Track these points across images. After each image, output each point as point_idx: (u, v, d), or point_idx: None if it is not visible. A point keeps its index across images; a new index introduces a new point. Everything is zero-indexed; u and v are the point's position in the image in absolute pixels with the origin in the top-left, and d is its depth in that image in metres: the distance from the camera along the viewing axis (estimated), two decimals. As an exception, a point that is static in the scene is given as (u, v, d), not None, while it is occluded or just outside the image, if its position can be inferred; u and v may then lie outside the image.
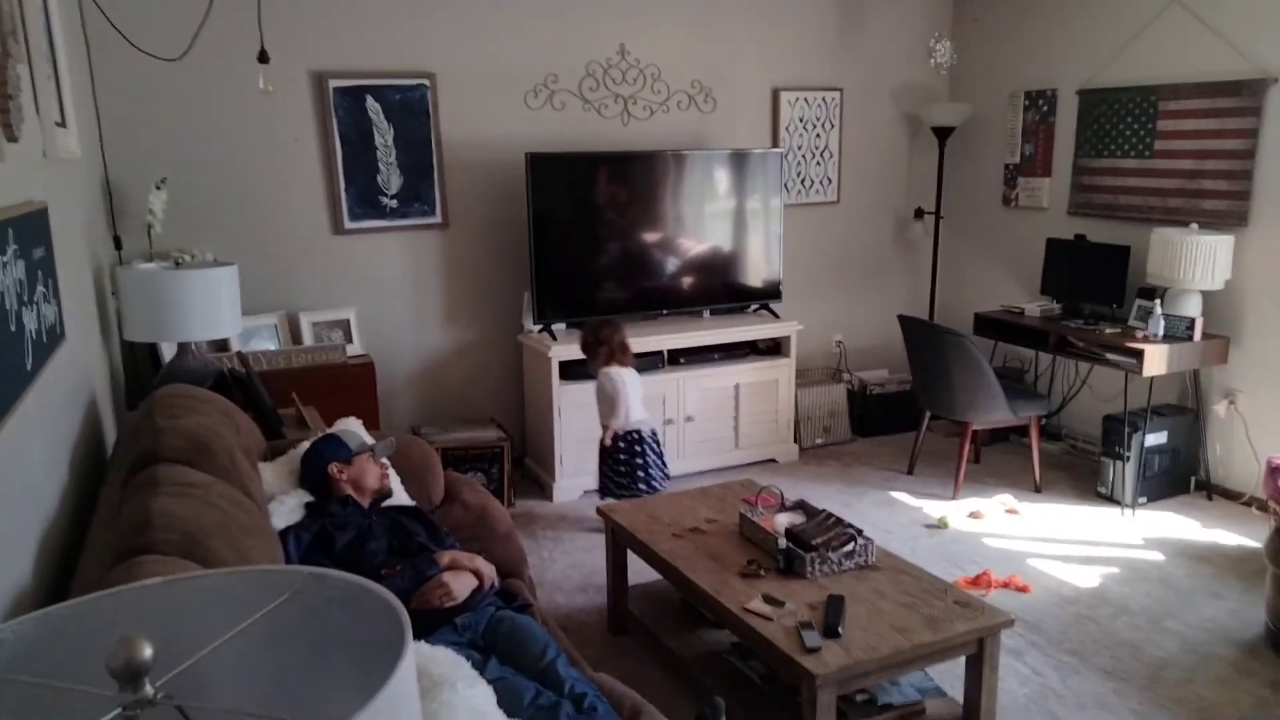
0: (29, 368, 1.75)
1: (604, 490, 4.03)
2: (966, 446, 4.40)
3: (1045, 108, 4.99)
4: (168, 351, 3.58)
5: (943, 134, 5.30)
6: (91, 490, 2.34)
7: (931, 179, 5.57)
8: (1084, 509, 4.25)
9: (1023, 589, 3.47)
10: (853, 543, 2.68)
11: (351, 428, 2.78)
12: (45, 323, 1.96)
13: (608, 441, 3.94)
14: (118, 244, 3.83)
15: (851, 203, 5.50)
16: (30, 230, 1.91)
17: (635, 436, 3.95)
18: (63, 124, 2.78)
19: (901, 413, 5.29)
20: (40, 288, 1.95)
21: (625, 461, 3.94)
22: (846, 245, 5.55)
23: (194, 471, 1.97)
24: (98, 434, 2.70)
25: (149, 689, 0.66)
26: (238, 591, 0.87)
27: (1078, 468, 4.77)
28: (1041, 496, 4.40)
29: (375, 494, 2.55)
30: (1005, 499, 4.30)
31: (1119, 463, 4.23)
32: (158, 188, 3.70)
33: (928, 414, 4.63)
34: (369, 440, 2.70)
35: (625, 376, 3.93)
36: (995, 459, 4.94)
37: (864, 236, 5.59)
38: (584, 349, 4.01)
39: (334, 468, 2.49)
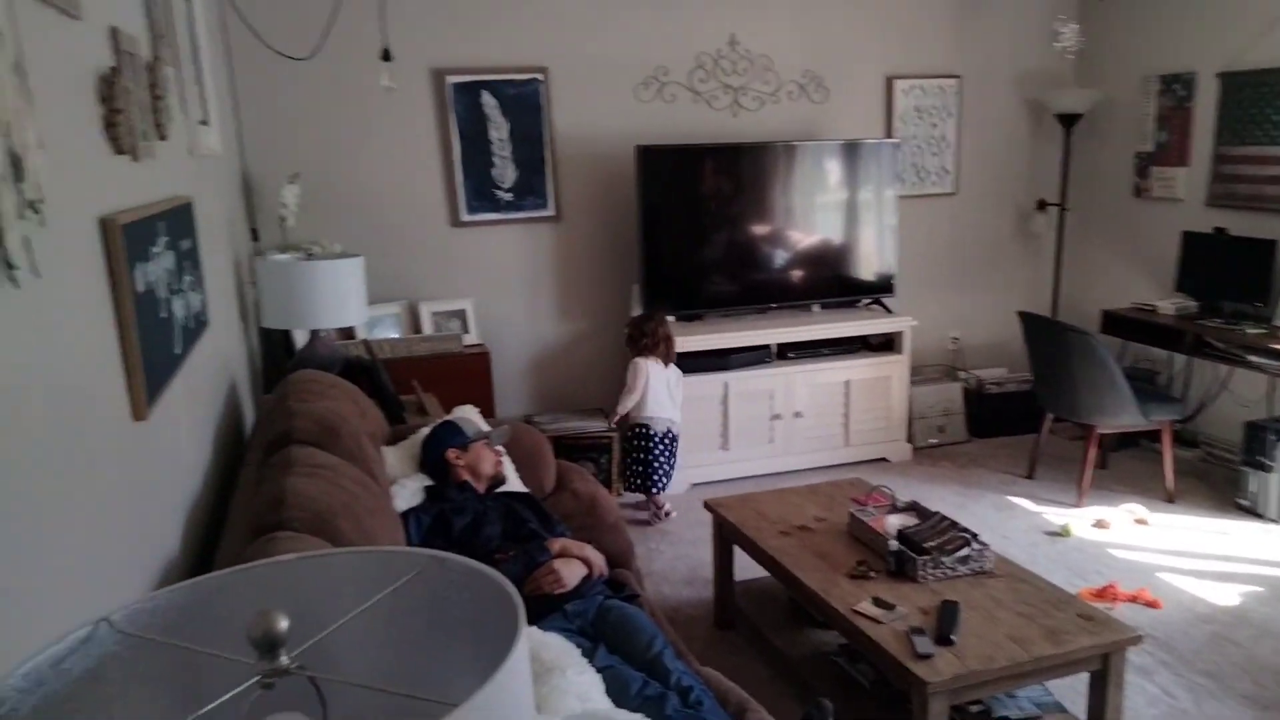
0: (177, 352, 1.88)
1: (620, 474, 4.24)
2: (1092, 451, 4.20)
3: (1182, 92, 4.69)
4: (300, 338, 3.77)
5: (1068, 121, 5.05)
6: (232, 468, 2.49)
7: (1056, 169, 5.32)
8: (1222, 521, 4.00)
9: (1152, 604, 3.29)
10: (968, 547, 2.60)
11: (468, 415, 2.86)
12: (191, 310, 2.10)
13: (612, 423, 4.16)
14: (255, 236, 4.06)
15: (970, 194, 5.31)
16: (178, 223, 2.04)
17: (643, 430, 4.04)
18: (206, 122, 2.95)
19: (1021, 413, 5.08)
20: (187, 277, 2.09)
21: (630, 452, 4.09)
22: (964, 238, 5.36)
23: (323, 453, 2.07)
24: (238, 416, 2.87)
25: (284, 659, 0.69)
26: (364, 570, 0.91)
27: (1215, 477, 4.48)
28: (1174, 506, 4.16)
29: (490, 480, 2.62)
30: (1134, 508, 4.08)
31: (1262, 473, 3.95)
32: (290, 182, 3.89)
33: (1049, 416, 4.43)
34: (485, 427, 2.77)
35: (651, 370, 4.05)
36: (1123, 465, 4.69)
37: (983, 229, 5.39)
38: (628, 340, 4.14)
39: (452, 453, 2.58)
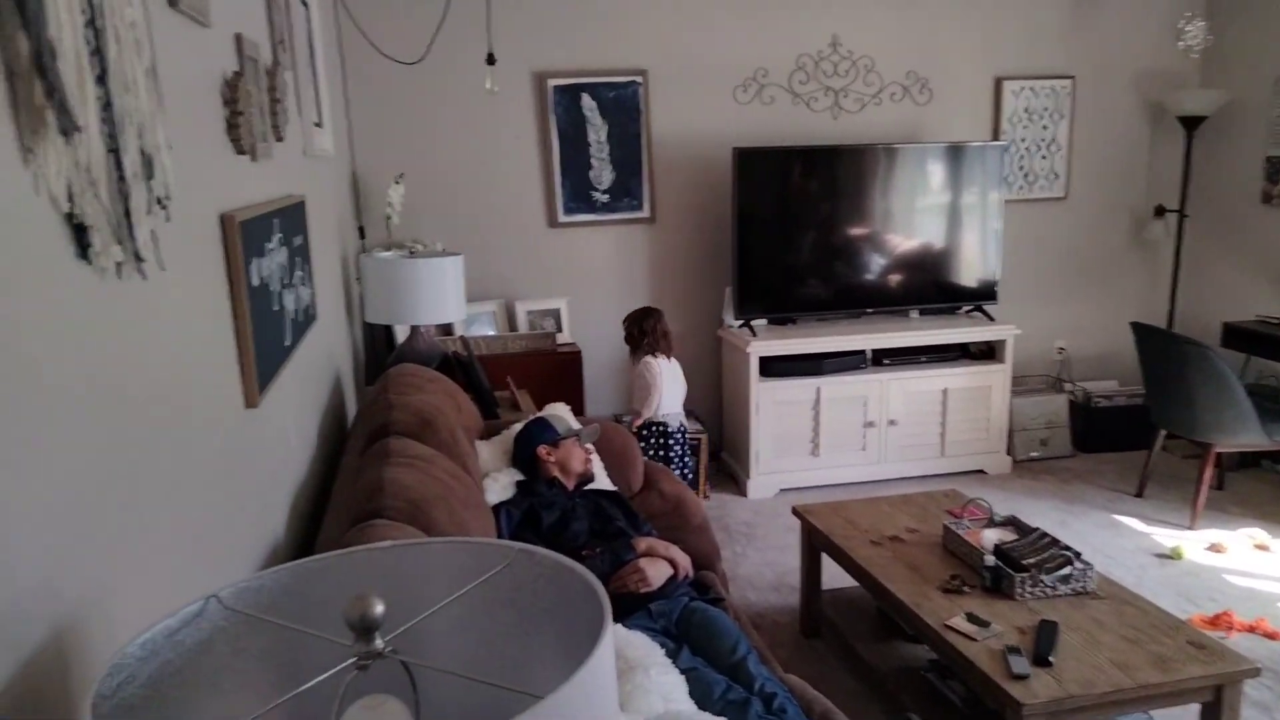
0: (287, 344, 1.96)
1: None
2: (1208, 470, 3.97)
3: (1324, 92, 4.39)
4: (401, 334, 3.89)
5: (1191, 124, 4.79)
6: (334, 458, 2.59)
7: (1176, 173, 5.06)
8: (1353, 550, 3.73)
9: (1272, 635, 3.09)
10: (1070, 566, 2.49)
11: (559, 413, 2.90)
12: (301, 304, 2.19)
13: (633, 428, 4.03)
14: (361, 233, 4.21)
15: (1081, 199, 5.10)
16: (291, 221, 2.14)
17: (662, 428, 4.00)
18: (320, 124, 3.08)
19: (1131, 429, 4.85)
20: (298, 272, 2.18)
21: (648, 450, 4.00)
22: (1074, 244, 5.15)
23: (420, 445, 2.13)
24: (341, 406, 2.98)
25: (379, 643, 0.72)
26: (456, 560, 0.94)
27: (1347, 502, 4.19)
28: (1299, 532, 3.90)
29: (579, 477, 2.65)
30: (1254, 532, 3.85)
31: (1402, 500, 3.66)
32: (396, 182, 4.03)
33: (1162, 432, 4.22)
34: (575, 425, 2.81)
35: (663, 368, 4.00)
36: (1242, 486, 4.43)
37: (1094, 235, 5.17)
38: (627, 339, 4.10)
39: (543, 450, 2.62)
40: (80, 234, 0.94)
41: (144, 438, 1.08)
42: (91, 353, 0.95)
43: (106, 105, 0.99)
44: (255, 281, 1.67)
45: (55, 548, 0.83)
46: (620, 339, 4.70)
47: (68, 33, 0.89)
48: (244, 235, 1.59)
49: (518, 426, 2.78)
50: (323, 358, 2.69)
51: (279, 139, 2.19)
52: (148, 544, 1.07)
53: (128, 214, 1.03)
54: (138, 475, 1.05)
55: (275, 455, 1.87)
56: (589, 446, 2.75)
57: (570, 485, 2.62)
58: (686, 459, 4.12)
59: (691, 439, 4.32)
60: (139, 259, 1.06)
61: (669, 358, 4.09)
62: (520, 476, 2.63)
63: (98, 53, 0.98)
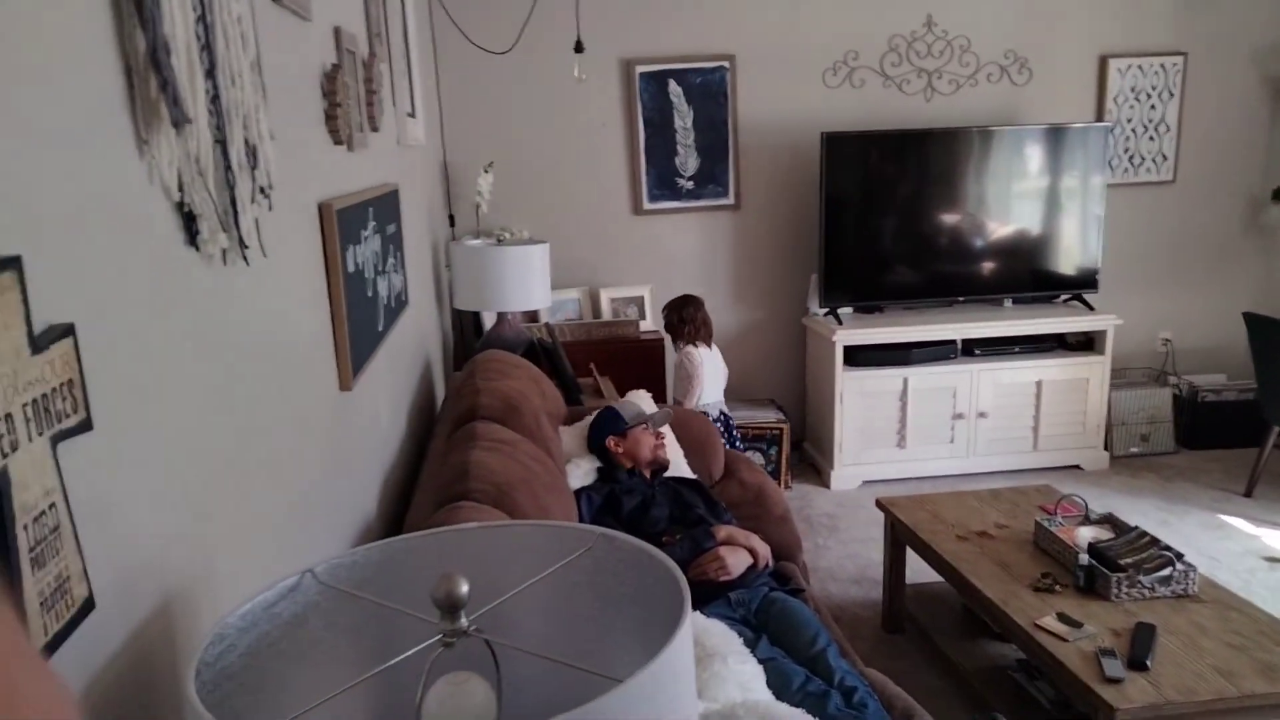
0: (380, 329, 2.03)
1: None
2: (1327, 471, 3.74)
3: None
4: (488, 320, 3.97)
5: (1320, 102, 4.50)
6: (423, 440, 2.67)
7: (1300, 155, 4.76)
8: None
9: (1394, 647, 2.91)
10: (1170, 567, 2.39)
11: (634, 400, 2.90)
12: (394, 290, 2.26)
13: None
14: (451, 221, 4.31)
15: (1191, 182, 4.84)
16: (385, 209, 2.20)
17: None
18: (413, 114, 3.16)
19: (1240, 425, 4.60)
20: (391, 259, 2.24)
21: None
22: (1182, 230, 4.90)
23: (505, 430, 2.17)
24: (430, 391, 3.06)
25: (464, 621, 0.74)
26: (539, 543, 0.96)
27: None
28: None
29: (650, 464, 2.64)
30: (1376, 537, 3.61)
31: None
32: (486, 171, 4.10)
33: (1275, 429, 3.99)
34: (649, 410, 2.81)
35: (705, 357, 3.89)
36: (1365, 489, 4.16)
37: (1205, 221, 4.90)
38: (667, 327, 3.99)
39: (611, 441, 2.63)
40: (189, 222, 0.99)
41: (247, 418, 1.14)
42: (199, 335, 1.00)
43: (215, 98, 1.04)
44: (351, 268, 1.73)
45: (168, 523, 0.88)
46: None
47: (180, 29, 0.94)
48: (340, 223, 1.64)
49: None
50: (413, 343, 2.76)
51: (374, 129, 2.25)
52: (251, 520, 1.12)
53: (233, 202, 1.08)
54: (241, 454, 1.10)
55: (368, 437, 1.93)
56: (661, 431, 2.74)
57: (645, 472, 2.64)
58: (731, 446, 4.05)
59: (773, 429, 4.29)
60: (243, 246, 1.11)
61: (709, 346, 4.01)
62: (600, 463, 2.65)
63: (207, 47, 1.03)
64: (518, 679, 0.85)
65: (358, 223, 1.83)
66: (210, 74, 1.02)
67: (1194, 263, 4.95)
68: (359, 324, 1.77)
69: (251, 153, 1.15)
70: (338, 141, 1.79)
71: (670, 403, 3.86)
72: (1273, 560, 3.53)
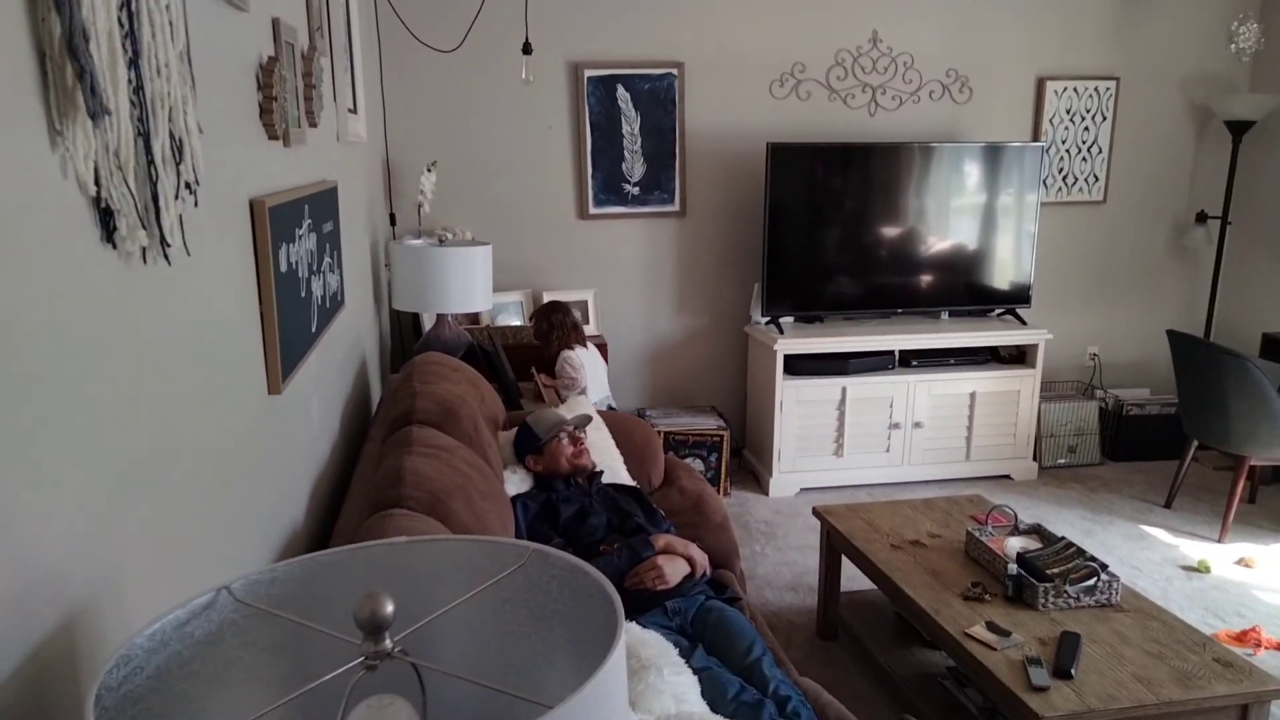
0: (314, 330, 1.97)
1: None
2: (1241, 483, 3.89)
3: (1378, 100, 4.27)
4: (427, 321, 3.90)
5: (1239, 129, 4.68)
6: (356, 445, 2.61)
7: (1220, 179, 4.95)
8: (1390, 571, 3.64)
9: (1301, 654, 3.03)
10: (1095, 577, 2.45)
11: (544, 414, 2.73)
12: (329, 290, 2.20)
13: None
14: (392, 220, 4.23)
15: (1120, 203, 5.00)
16: (322, 206, 2.14)
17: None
18: (354, 110, 3.09)
19: (1162, 438, 4.77)
20: (327, 258, 2.19)
21: None
22: (1111, 249, 5.06)
23: (442, 435, 2.13)
24: (365, 393, 3.00)
25: (388, 642, 0.72)
26: (471, 558, 0.93)
27: (1385, 522, 4.09)
28: (1334, 551, 3.82)
29: (571, 470, 2.60)
30: (1286, 548, 3.77)
31: None
32: (429, 170, 4.03)
33: (1195, 442, 4.14)
34: (565, 417, 2.73)
35: (584, 357, 3.77)
36: (1275, 500, 4.34)
37: (1132, 240, 5.07)
38: (537, 335, 3.81)
39: (529, 460, 2.61)
40: (106, 218, 0.94)
41: (163, 423, 1.09)
42: (113, 337, 0.95)
43: (138, 89, 0.99)
44: (284, 267, 1.68)
45: (70, 534, 0.83)
46: (646, 331, 4.70)
47: (101, 15, 0.89)
48: (273, 221, 1.59)
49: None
50: (349, 345, 2.70)
51: (313, 125, 2.19)
52: (164, 531, 1.07)
53: (155, 198, 1.03)
54: (155, 461, 1.05)
55: (297, 442, 1.88)
56: (582, 436, 2.69)
57: (579, 479, 2.62)
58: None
59: (714, 436, 4.30)
60: (165, 244, 1.06)
61: (585, 345, 3.87)
62: (538, 468, 2.62)
63: (130, 35, 0.98)
64: (445, 701, 0.83)
65: (292, 220, 1.78)
66: (134, 63, 0.98)
67: (1122, 281, 5.11)
68: (291, 325, 1.71)
69: (177, 146, 1.10)
70: (273, 136, 1.74)
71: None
72: (1190, 570, 3.65)
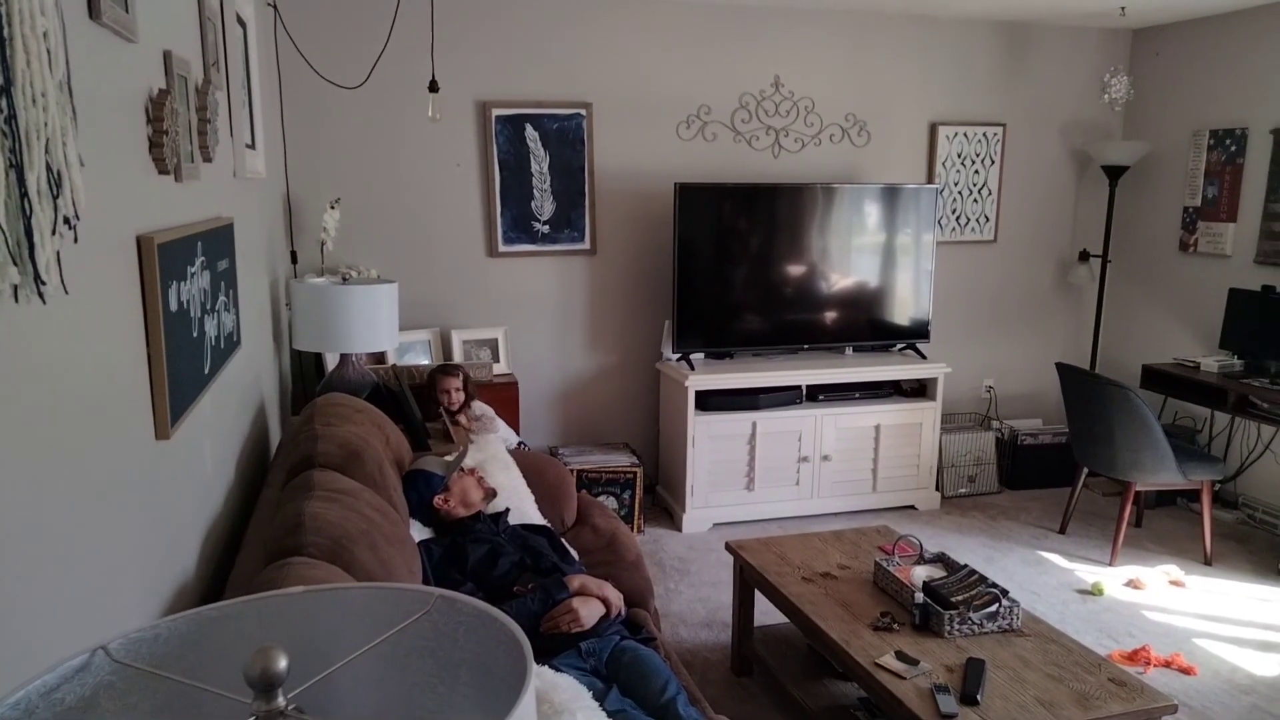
0: (206, 371, 1.89)
1: None
2: (1128, 508, 4.08)
3: (1233, 148, 4.61)
4: (331, 361, 3.79)
5: (1114, 173, 4.99)
6: (254, 489, 2.50)
7: (1100, 220, 5.26)
8: (1262, 588, 3.86)
9: (1187, 670, 3.17)
10: (997, 603, 2.52)
11: (427, 461, 2.70)
12: (224, 330, 2.11)
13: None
14: (294, 258, 4.11)
15: (1010, 242, 5.25)
16: (217, 244, 2.07)
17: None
18: (252, 146, 3.00)
19: (1055, 466, 4.98)
20: (222, 297, 2.11)
21: None
22: (1002, 286, 5.30)
23: (345, 478, 2.06)
24: (264, 436, 2.88)
25: (281, 700, 0.68)
26: (373, 607, 0.90)
27: (1256, 541, 4.34)
28: (1212, 570, 4.03)
29: (486, 496, 2.61)
30: (1170, 569, 3.96)
31: (1308, 540, 3.81)
32: (332, 207, 3.95)
33: (1084, 470, 4.33)
34: (447, 459, 2.73)
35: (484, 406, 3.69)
36: (1160, 524, 4.56)
37: (1022, 278, 5.32)
38: (449, 402, 3.58)
39: (438, 500, 2.56)
40: (-26, 255, 0.88)
41: (36, 471, 1.02)
42: (-19, 382, 0.89)
43: (10, 118, 0.94)
44: (174, 306, 1.61)
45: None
46: (558, 368, 4.67)
47: (-32, 43, 0.84)
48: (162, 258, 1.52)
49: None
50: (246, 386, 2.60)
51: (207, 160, 2.12)
52: (37, 588, 1.00)
53: (29, 233, 0.97)
54: (24, 515, 0.98)
55: (189, 489, 1.78)
56: (470, 468, 2.70)
57: (485, 508, 2.58)
58: None
59: (627, 472, 4.29)
60: (40, 281, 1.00)
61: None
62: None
63: (2, 62, 0.93)
64: (343, 759, 0.79)
65: (184, 257, 1.71)
66: (6, 92, 0.93)
67: (1013, 316, 5.35)
68: (181, 367, 1.64)
69: (55, 179, 1.05)
70: (164, 171, 1.67)
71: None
72: (1085, 593, 3.80)
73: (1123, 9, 4.52)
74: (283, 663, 0.67)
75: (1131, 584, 3.85)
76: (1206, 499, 4.06)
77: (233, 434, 2.34)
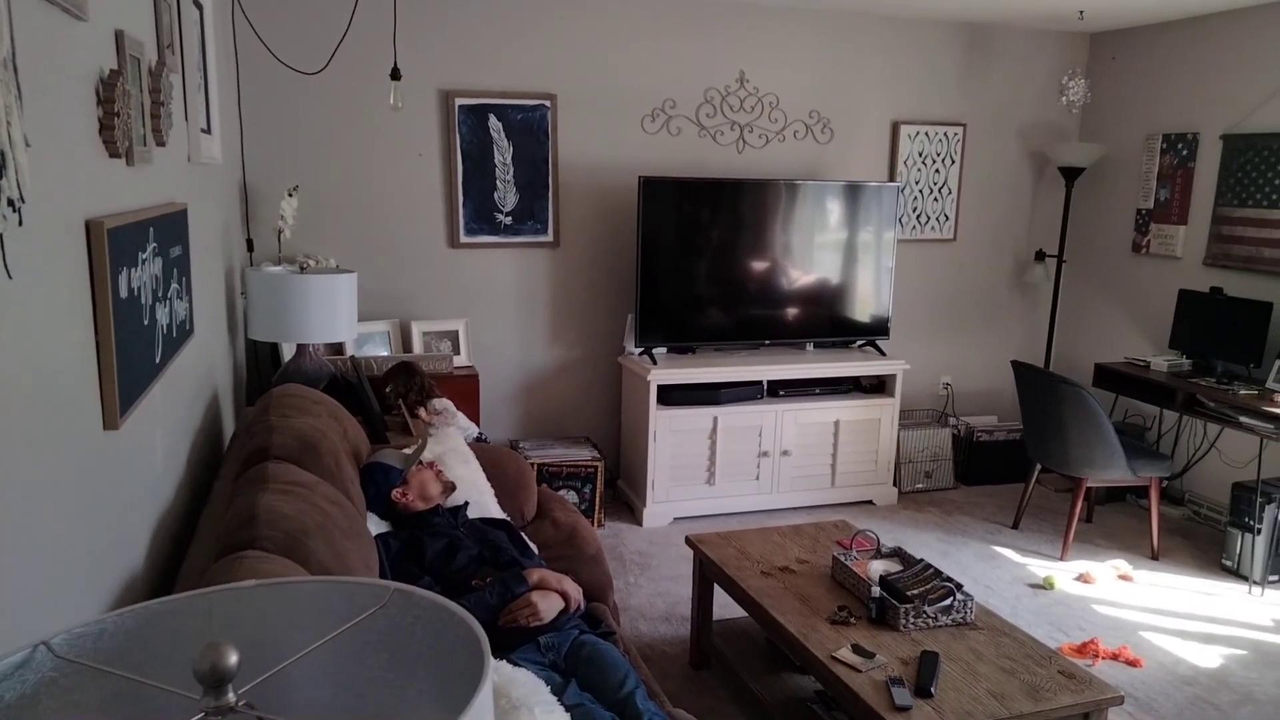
0: (157, 361, 1.84)
1: None
2: (1079, 504, 4.17)
3: (1185, 151, 4.72)
4: (287, 352, 3.73)
5: (1071, 174, 5.08)
6: (206, 481, 2.45)
7: (1056, 221, 5.35)
8: (1206, 582, 3.97)
9: (1133, 663, 3.25)
10: (951, 597, 2.56)
11: (385, 454, 2.66)
12: (176, 318, 2.07)
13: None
14: (250, 246, 4.03)
15: (969, 241, 5.33)
16: (169, 230, 2.02)
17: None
18: (208, 131, 2.94)
19: (1009, 462, 5.07)
20: (174, 285, 2.06)
21: None
22: (961, 285, 5.37)
23: (301, 471, 2.03)
24: (217, 427, 2.82)
25: (231, 696, 0.66)
26: (327, 601, 0.88)
27: (1200, 536, 4.46)
28: (1159, 564, 4.13)
29: (445, 489, 2.59)
30: (1118, 564, 4.05)
31: (1248, 535, 3.93)
32: (290, 194, 3.88)
33: (1038, 466, 4.41)
34: (405, 452, 2.70)
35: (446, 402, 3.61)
36: (1109, 520, 4.67)
37: (980, 277, 5.40)
38: (405, 399, 3.49)
39: (397, 494, 2.54)
40: (-89, 237, 0.85)
41: (-20, 462, 0.99)
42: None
43: (-49, 97, 0.91)
44: (124, 293, 1.56)
45: None
46: (519, 361, 4.64)
47: (-94, 16, 0.81)
48: (112, 243, 1.48)
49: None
50: (200, 376, 2.54)
51: (160, 144, 2.07)
52: (-22, 580, 0.97)
53: (-29, 217, 0.94)
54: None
55: (138, 481, 1.74)
56: (428, 461, 2.68)
57: (444, 501, 2.56)
58: None
59: (588, 466, 4.28)
60: (-18, 266, 0.97)
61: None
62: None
63: (-57, 40, 0.89)
64: (295, 756, 0.77)
65: (135, 244, 1.66)
66: (-53, 68, 0.89)
67: (971, 314, 5.43)
68: (131, 355, 1.60)
69: (-1, 161, 1.01)
70: (114, 154, 1.63)
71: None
72: (1037, 587, 3.87)
73: (1081, 13, 4.60)
74: (233, 658, 0.66)
75: (1082, 578, 3.94)
76: (1154, 495, 4.16)
77: (185, 425, 2.29)
